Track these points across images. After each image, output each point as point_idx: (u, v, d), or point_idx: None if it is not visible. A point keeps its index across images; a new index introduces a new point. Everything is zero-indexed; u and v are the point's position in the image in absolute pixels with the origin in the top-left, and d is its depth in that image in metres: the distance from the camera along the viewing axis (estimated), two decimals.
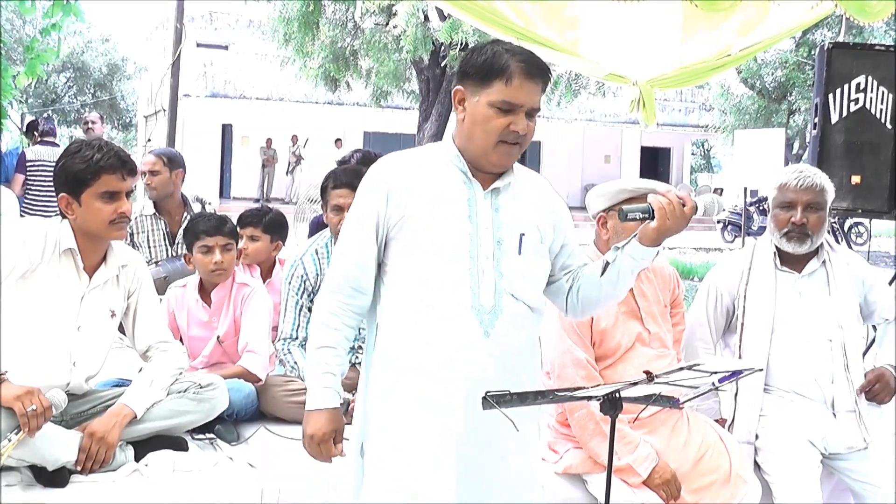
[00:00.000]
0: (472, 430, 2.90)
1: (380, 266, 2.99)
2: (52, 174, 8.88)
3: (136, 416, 3.77)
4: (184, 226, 6.11)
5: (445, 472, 2.87)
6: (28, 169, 9.28)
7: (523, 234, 3.00)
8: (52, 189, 9.09)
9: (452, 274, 2.89)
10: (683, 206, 2.96)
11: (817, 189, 4.15)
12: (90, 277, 3.78)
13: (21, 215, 8.37)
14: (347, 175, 4.55)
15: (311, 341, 2.98)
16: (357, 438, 3.01)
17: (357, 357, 4.51)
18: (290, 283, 4.62)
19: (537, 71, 2.90)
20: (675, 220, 2.94)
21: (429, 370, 2.89)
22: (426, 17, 18.70)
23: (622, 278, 3.09)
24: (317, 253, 4.63)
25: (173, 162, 6.25)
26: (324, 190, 4.67)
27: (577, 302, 3.17)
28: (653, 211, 2.93)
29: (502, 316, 2.93)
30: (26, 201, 9.25)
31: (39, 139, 9.68)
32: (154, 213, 6.15)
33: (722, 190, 38.38)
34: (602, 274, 3.08)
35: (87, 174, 3.67)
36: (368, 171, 3.03)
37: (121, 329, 4.13)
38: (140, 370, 4.39)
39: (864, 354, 4.62)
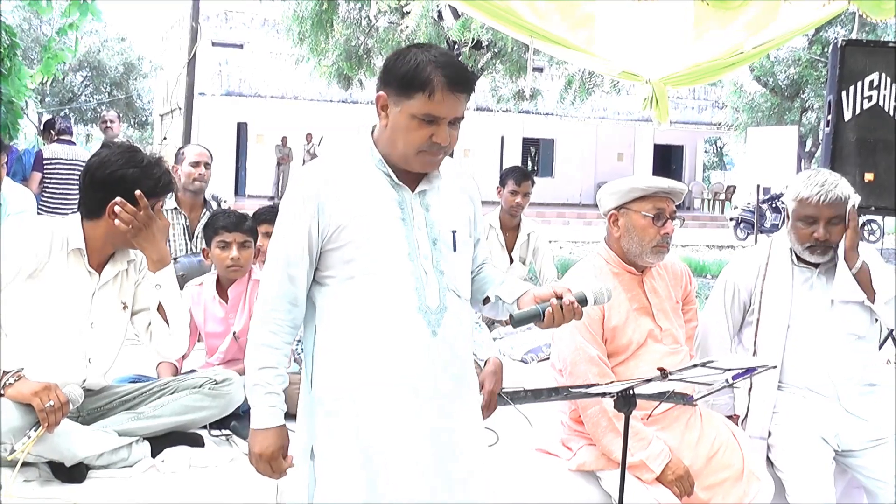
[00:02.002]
0: (424, 429, 2.89)
1: (315, 271, 2.96)
2: (68, 172, 8.90)
3: None
4: (202, 221, 6.17)
5: (400, 474, 2.86)
6: (45, 167, 9.33)
7: (455, 231, 3.00)
8: (69, 186, 9.11)
9: (396, 277, 2.87)
10: (574, 310, 2.93)
11: (840, 202, 4.09)
12: (99, 274, 3.79)
13: (38, 212, 8.42)
14: None
15: (252, 362, 2.95)
16: (305, 442, 3.01)
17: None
18: None
19: (460, 85, 2.82)
20: (562, 322, 2.92)
21: (377, 374, 2.87)
22: (440, 16, 18.72)
23: (498, 316, 3.24)
24: None
25: (212, 159, 6.47)
26: None
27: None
28: (543, 316, 2.90)
29: (447, 313, 2.93)
30: (43, 199, 9.29)
31: (56, 137, 9.71)
32: (175, 208, 6.20)
33: (735, 188, 38.34)
34: (483, 303, 3.20)
35: (152, 193, 3.73)
36: (293, 184, 2.98)
37: None
38: (158, 365, 4.44)
39: (880, 347, 4.61)
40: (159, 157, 3.85)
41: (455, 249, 3.00)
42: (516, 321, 2.94)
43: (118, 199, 3.67)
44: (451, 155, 3.06)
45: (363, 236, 2.86)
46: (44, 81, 7.92)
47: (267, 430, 2.94)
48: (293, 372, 4.61)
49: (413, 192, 2.96)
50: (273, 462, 2.95)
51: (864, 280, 4.14)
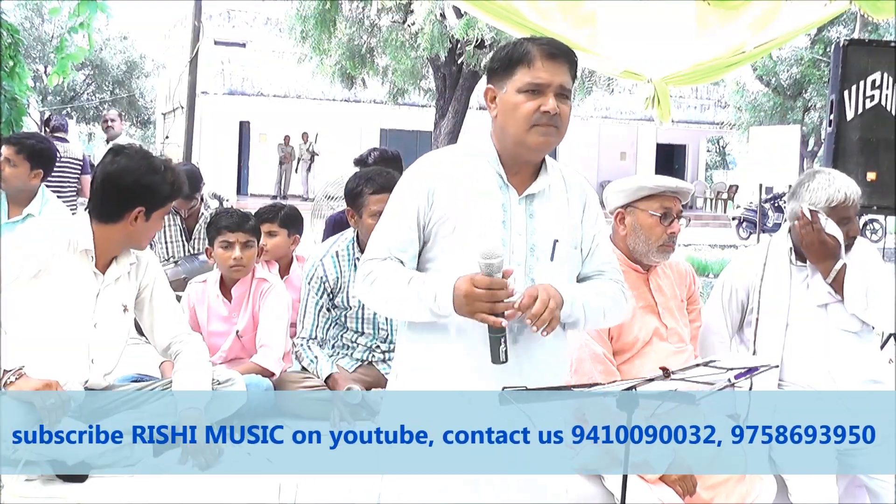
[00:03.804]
0: (493, 434, 2.88)
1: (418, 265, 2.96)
2: (61, 168, 8.88)
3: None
4: (199, 221, 6.16)
5: (468, 478, 2.87)
6: None
7: (557, 241, 2.95)
8: (62, 181, 9.11)
9: None
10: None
11: (849, 205, 4.11)
12: (103, 275, 3.80)
13: None
14: (384, 178, 4.48)
15: (390, 290, 2.86)
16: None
17: (373, 356, 4.55)
18: (309, 283, 4.60)
19: (559, 51, 2.87)
20: (538, 321, 2.74)
21: (455, 378, 2.85)
22: (443, 15, 18.73)
23: None
24: (337, 255, 4.59)
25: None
26: (358, 194, 4.54)
27: None
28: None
29: None
30: None
31: (50, 134, 9.70)
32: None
33: (737, 187, 38.33)
34: None
35: (170, 197, 3.84)
36: (412, 166, 3.00)
37: (137, 328, 4.14)
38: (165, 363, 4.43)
39: (882, 347, 4.61)
40: (168, 160, 3.92)
41: (552, 259, 2.94)
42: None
43: None
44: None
45: (457, 234, 2.87)
46: (59, 83, 7.90)
47: (452, 285, 2.75)
48: (294, 371, 4.63)
49: (520, 195, 2.94)
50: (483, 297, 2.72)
51: (839, 287, 4.14)
